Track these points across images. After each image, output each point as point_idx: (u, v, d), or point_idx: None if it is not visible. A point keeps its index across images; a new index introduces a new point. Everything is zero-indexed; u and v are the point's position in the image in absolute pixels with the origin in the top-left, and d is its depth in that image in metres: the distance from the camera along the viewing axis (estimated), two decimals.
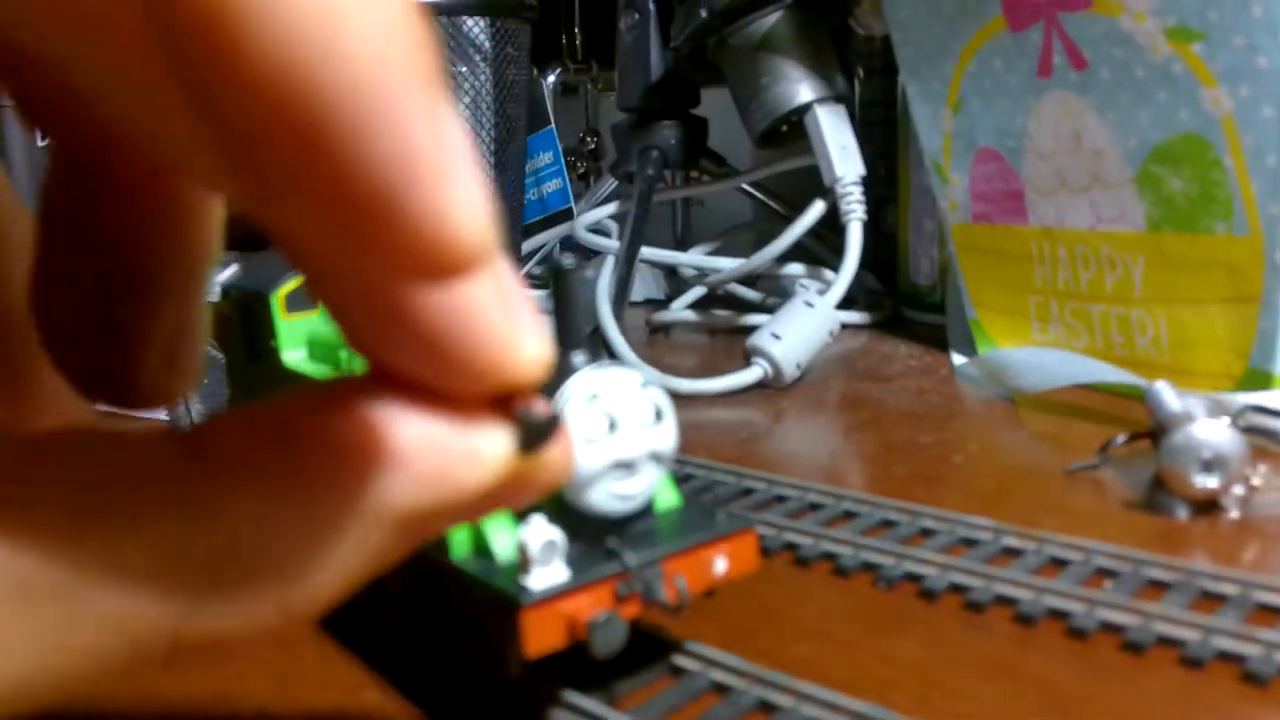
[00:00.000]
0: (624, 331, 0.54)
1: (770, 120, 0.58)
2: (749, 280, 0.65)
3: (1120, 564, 0.29)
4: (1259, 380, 0.42)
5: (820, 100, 0.57)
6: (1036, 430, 0.44)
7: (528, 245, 0.71)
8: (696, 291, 0.66)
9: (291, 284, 0.30)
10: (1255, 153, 0.41)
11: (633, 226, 0.58)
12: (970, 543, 0.31)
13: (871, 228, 0.59)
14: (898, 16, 0.54)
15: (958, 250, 0.55)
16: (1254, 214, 0.41)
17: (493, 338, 0.12)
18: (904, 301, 0.66)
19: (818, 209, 0.57)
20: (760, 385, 0.50)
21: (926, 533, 0.32)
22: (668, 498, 0.25)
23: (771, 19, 0.58)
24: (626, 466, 0.22)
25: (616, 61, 0.66)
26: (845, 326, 0.63)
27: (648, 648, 0.25)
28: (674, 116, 0.64)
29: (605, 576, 0.22)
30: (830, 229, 0.60)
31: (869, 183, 0.58)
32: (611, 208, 0.66)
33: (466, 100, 0.63)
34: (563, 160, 0.71)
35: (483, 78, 0.64)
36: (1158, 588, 0.28)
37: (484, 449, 0.13)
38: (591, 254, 0.66)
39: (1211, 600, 0.27)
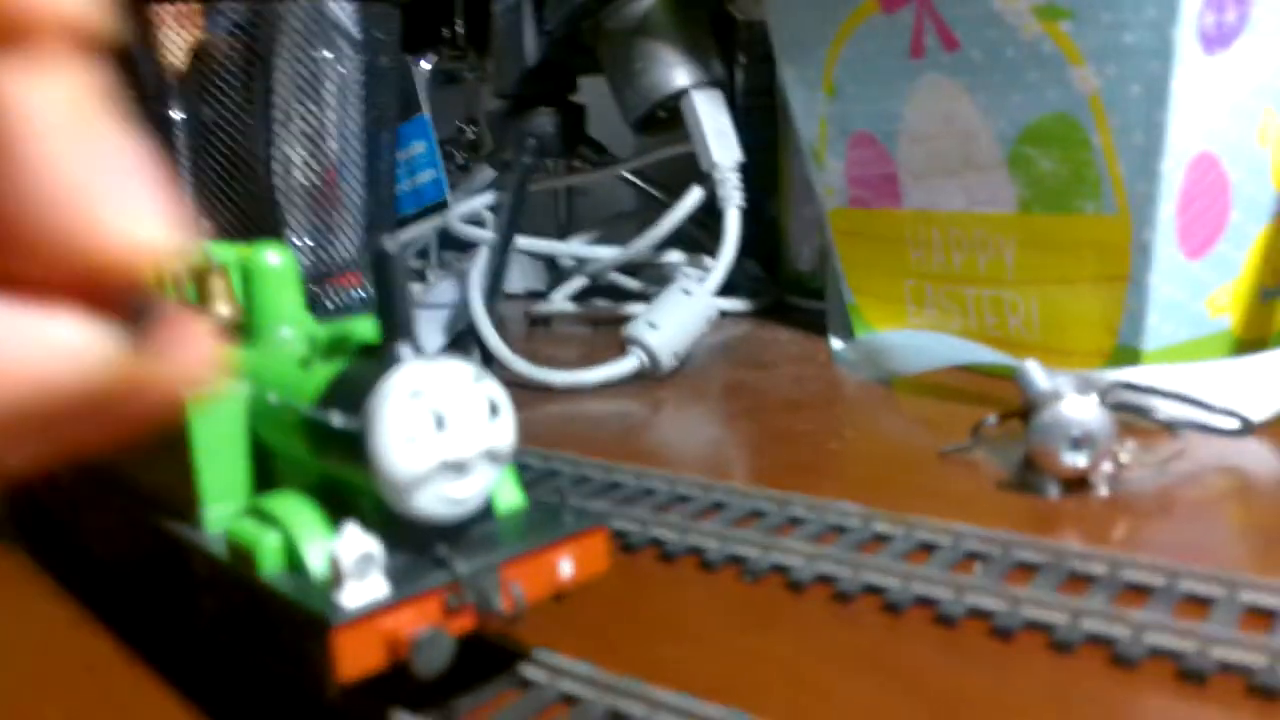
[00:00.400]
0: (500, 325, 0.52)
1: (646, 106, 0.56)
2: (631, 270, 0.64)
3: (989, 547, 0.28)
4: (1128, 357, 0.42)
5: (697, 85, 0.56)
6: (912, 414, 0.44)
7: (402, 239, 0.69)
8: (577, 282, 0.64)
9: None
10: (1122, 131, 0.41)
11: (507, 216, 0.56)
12: (839, 530, 0.30)
13: (753, 216, 0.58)
14: (773, 0, 0.53)
15: (835, 235, 0.54)
16: (1121, 193, 0.41)
17: (74, 204, 0.10)
18: (787, 289, 0.66)
19: (695, 196, 0.56)
20: (638, 376, 0.49)
21: (795, 522, 0.31)
22: (510, 498, 0.23)
23: (648, 3, 0.57)
24: (457, 468, 0.20)
25: (491, 46, 0.63)
26: (727, 314, 0.62)
27: (494, 659, 0.23)
28: (551, 103, 0.62)
29: (431, 589, 0.20)
30: (712, 216, 0.58)
31: (750, 170, 0.57)
32: (488, 198, 0.64)
33: (331, 88, 0.60)
34: (437, 150, 0.69)
35: (349, 64, 0.61)
36: (1027, 570, 0.27)
37: (62, 339, 0.11)
38: (469, 247, 0.64)
39: (1080, 581, 0.26)
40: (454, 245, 0.67)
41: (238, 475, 0.23)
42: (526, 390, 0.48)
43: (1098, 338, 0.43)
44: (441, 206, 0.69)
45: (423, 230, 0.69)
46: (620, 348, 0.49)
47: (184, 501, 0.24)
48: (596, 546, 0.22)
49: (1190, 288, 0.42)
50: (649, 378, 0.49)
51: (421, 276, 0.70)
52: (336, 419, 0.20)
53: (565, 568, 0.22)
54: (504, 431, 0.21)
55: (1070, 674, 0.23)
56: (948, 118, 0.47)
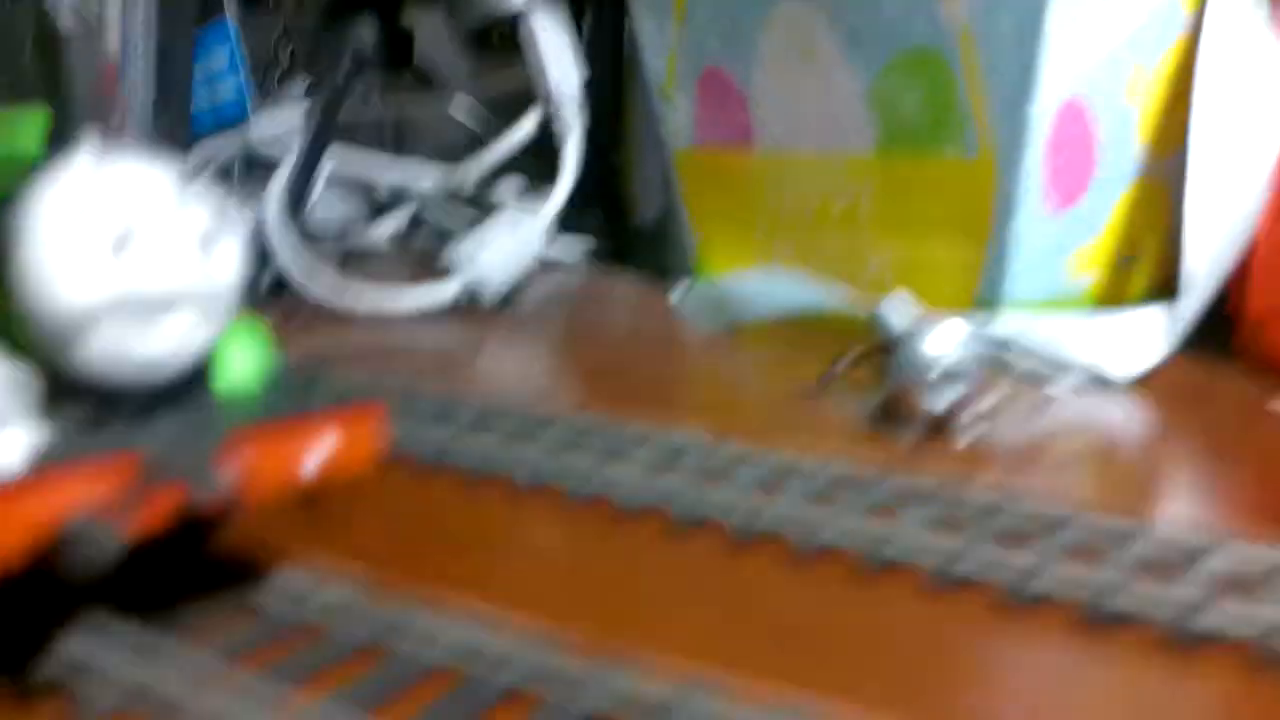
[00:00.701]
0: (304, 257, 0.45)
1: (478, 21, 0.51)
2: (462, 215, 0.58)
3: (846, 483, 0.24)
4: (987, 311, 0.39)
5: (535, 3, 0.50)
6: (756, 359, 0.40)
7: (196, 157, 0.60)
8: (398, 218, 0.58)
9: None
10: (990, 70, 0.38)
11: (314, 129, 0.49)
12: (678, 455, 0.26)
13: (595, 164, 0.53)
14: None
15: (680, 179, 0.50)
16: (985, 136, 0.39)
17: None
18: (630, 240, 0.61)
19: (531, 121, 0.50)
20: (457, 307, 0.43)
21: (627, 447, 0.26)
22: (246, 369, 0.17)
23: None
24: (143, 308, 0.15)
25: None
26: (560, 264, 0.57)
27: (228, 570, 0.18)
28: (374, 11, 0.55)
29: (97, 461, 0.14)
30: (551, 151, 0.53)
31: (596, 116, 0.52)
32: (296, 118, 0.57)
33: None
34: (241, 61, 0.61)
35: None
36: (887, 508, 0.23)
37: None
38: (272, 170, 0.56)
39: (954, 519, 0.23)
40: (250, 164, 0.59)
41: None
42: (328, 321, 0.42)
43: (956, 290, 0.40)
44: (244, 125, 0.61)
45: (221, 148, 0.60)
46: (439, 277, 0.44)
47: None
48: (363, 433, 0.17)
49: (1054, 242, 0.39)
50: (469, 310, 0.43)
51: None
52: None
53: (316, 456, 0.16)
54: (221, 268, 0.15)
55: (938, 613, 0.19)
56: (806, 50, 0.43)
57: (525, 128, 0.50)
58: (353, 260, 0.58)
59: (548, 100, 0.50)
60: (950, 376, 0.29)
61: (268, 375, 0.17)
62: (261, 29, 0.72)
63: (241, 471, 0.15)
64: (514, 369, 0.37)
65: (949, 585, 0.20)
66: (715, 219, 0.49)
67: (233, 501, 0.15)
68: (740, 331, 0.43)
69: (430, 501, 0.24)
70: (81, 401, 0.14)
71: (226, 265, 0.15)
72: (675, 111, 0.49)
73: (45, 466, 0.13)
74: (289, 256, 0.44)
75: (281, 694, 0.14)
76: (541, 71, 0.50)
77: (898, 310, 0.31)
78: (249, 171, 0.64)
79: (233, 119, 0.62)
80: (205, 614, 0.17)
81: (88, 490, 0.13)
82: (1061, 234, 0.40)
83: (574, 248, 0.58)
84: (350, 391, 0.30)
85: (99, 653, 0.15)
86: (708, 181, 0.49)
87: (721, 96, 0.47)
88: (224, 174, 0.63)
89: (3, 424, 0.13)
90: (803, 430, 0.30)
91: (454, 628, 0.16)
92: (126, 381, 0.15)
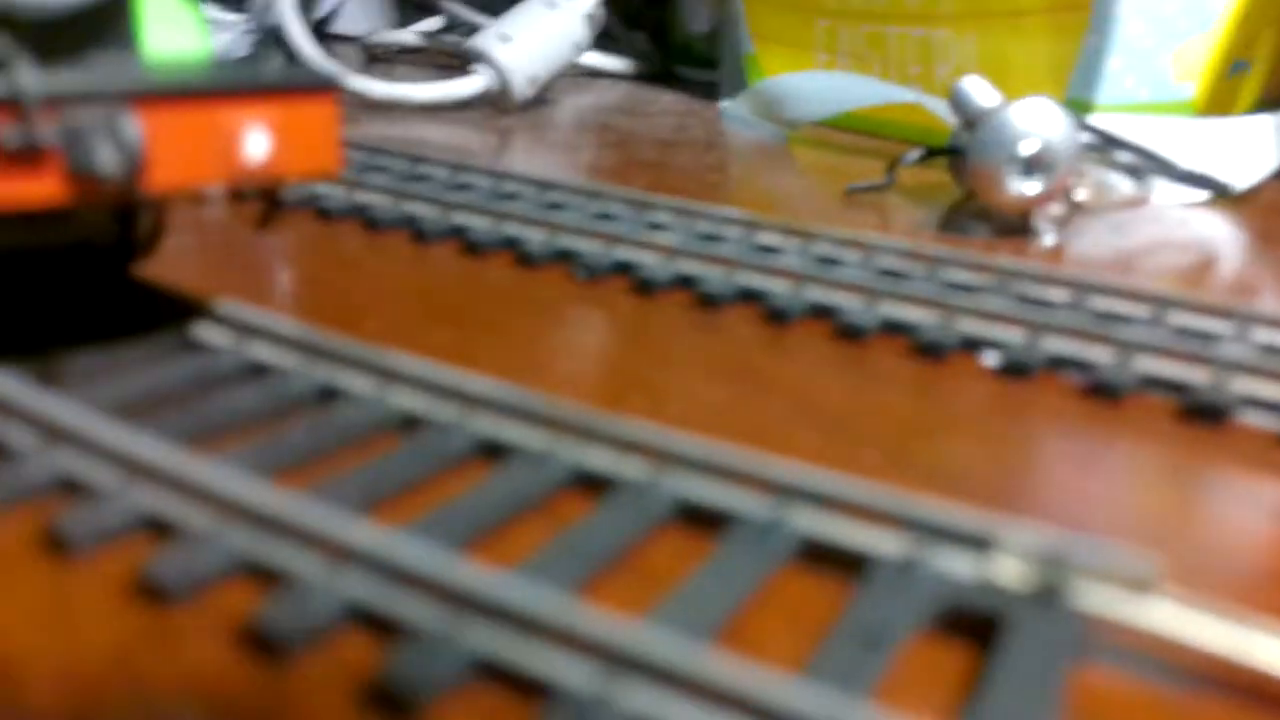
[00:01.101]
0: (321, 49, 0.41)
1: None
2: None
3: (910, 262, 0.20)
4: (1079, 111, 0.34)
5: None
6: (809, 162, 0.36)
7: None
8: (430, 21, 0.54)
9: None
10: None
11: None
12: (711, 239, 0.22)
13: None
14: None
15: None
16: None
17: None
18: (676, 58, 0.56)
19: None
20: (484, 101, 0.39)
21: (656, 227, 0.23)
22: (178, 37, 0.14)
23: None
24: None
25: None
26: (601, 75, 0.52)
27: (141, 303, 0.15)
28: None
29: None
30: None
31: None
32: None
33: None
34: None
35: None
36: (953, 286, 0.20)
37: None
38: None
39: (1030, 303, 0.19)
40: None
41: None
42: (344, 109, 0.38)
43: (1044, 87, 0.35)
44: None
45: None
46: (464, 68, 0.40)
47: None
48: (314, 120, 0.13)
49: (1158, 34, 0.34)
50: (497, 105, 0.39)
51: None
52: None
53: (256, 142, 0.13)
54: None
55: (987, 393, 0.16)
56: None
57: None
58: (377, 58, 0.54)
59: None
60: (1046, 153, 0.25)
61: (206, 50, 0.14)
62: None
63: (161, 144, 0.12)
64: (539, 161, 0.33)
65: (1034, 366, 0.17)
66: (773, 14, 0.44)
67: (124, 183, 0.12)
68: (795, 135, 0.39)
69: (422, 267, 0.21)
70: None
71: None
72: None
73: None
74: (297, 34, 0.40)
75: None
76: None
77: (978, 88, 0.27)
78: None
79: None
80: (103, 358, 0.14)
81: None
82: (1169, 24, 0.34)
83: (616, 63, 0.53)
84: (360, 167, 0.26)
85: None
86: None
87: None
88: None
89: None
90: (858, 229, 0.26)
91: (412, 365, 0.13)
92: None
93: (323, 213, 0.24)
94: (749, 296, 0.19)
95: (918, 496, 0.11)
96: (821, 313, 0.18)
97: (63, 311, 0.14)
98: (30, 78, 0.11)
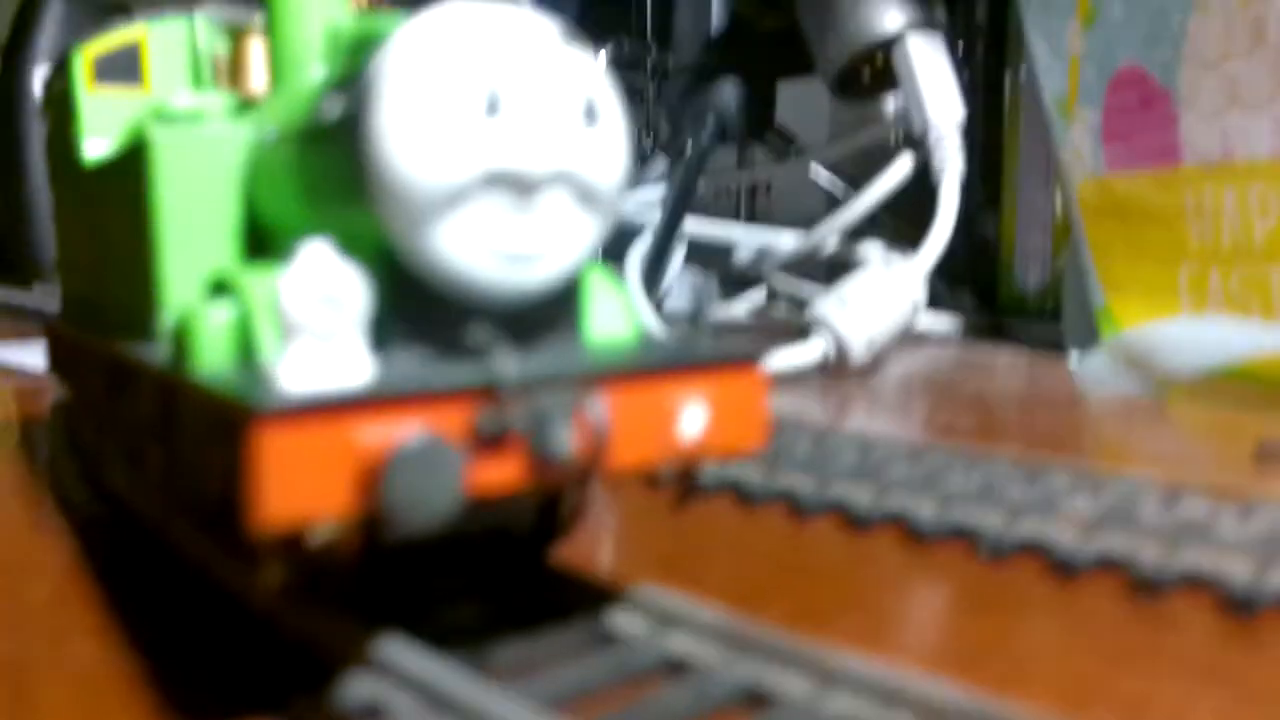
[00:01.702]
0: (661, 320, 0.43)
1: (849, 54, 0.47)
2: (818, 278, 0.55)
3: None
4: None
5: (913, 27, 0.46)
6: (1199, 419, 0.32)
7: None
8: (754, 296, 0.56)
9: (114, 39, 0.20)
10: None
11: (676, 194, 0.48)
12: (1121, 513, 0.20)
13: (965, 235, 0.48)
14: None
15: (1083, 216, 0.43)
16: None
17: None
18: (1006, 314, 0.55)
19: (905, 165, 0.45)
20: (822, 368, 0.39)
21: (1052, 498, 0.21)
22: (613, 317, 0.14)
23: None
24: (515, 185, 0.12)
25: (674, 17, 0.57)
26: (932, 336, 0.51)
27: (566, 595, 0.14)
28: (735, 72, 0.53)
29: (447, 388, 0.11)
30: (916, 206, 0.48)
31: (970, 169, 0.47)
32: (658, 191, 0.56)
33: None
34: None
35: None
36: None
37: None
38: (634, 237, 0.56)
39: None
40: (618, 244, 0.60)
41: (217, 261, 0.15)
42: None
43: None
44: None
45: None
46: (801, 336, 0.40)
47: (143, 310, 0.16)
48: (747, 394, 0.13)
49: None
50: (835, 371, 0.39)
51: None
52: (329, 106, 0.12)
53: (693, 417, 0.12)
54: (606, 150, 0.12)
55: None
56: (1255, 27, 0.36)
57: (900, 170, 0.46)
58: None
59: (924, 136, 0.45)
60: None
61: (637, 329, 0.14)
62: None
63: (620, 424, 0.11)
64: (895, 421, 0.32)
65: None
66: (1128, 263, 0.42)
67: (582, 470, 0.11)
68: (1170, 392, 0.35)
69: (804, 543, 0.20)
70: (427, 318, 0.12)
71: (612, 143, 0.12)
72: (1077, 131, 0.43)
73: (378, 390, 0.10)
74: (648, 323, 0.42)
75: None
76: (918, 103, 0.45)
77: None
78: (607, 247, 0.65)
79: None
80: (538, 647, 0.13)
81: (424, 422, 0.10)
82: None
83: (945, 323, 0.52)
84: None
85: (395, 696, 0.12)
86: (1119, 216, 0.42)
87: (1138, 103, 0.40)
88: None
89: (337, 330, 0.11)
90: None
91: (855, 664, 0.12)
92: (487, 284, 0.12)
93: (742, 497, 0.23)
94: (1192, 580, 0.16)
95: None
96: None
97: (482, 596, 0.14)
98: (509, 365, 0.11)
